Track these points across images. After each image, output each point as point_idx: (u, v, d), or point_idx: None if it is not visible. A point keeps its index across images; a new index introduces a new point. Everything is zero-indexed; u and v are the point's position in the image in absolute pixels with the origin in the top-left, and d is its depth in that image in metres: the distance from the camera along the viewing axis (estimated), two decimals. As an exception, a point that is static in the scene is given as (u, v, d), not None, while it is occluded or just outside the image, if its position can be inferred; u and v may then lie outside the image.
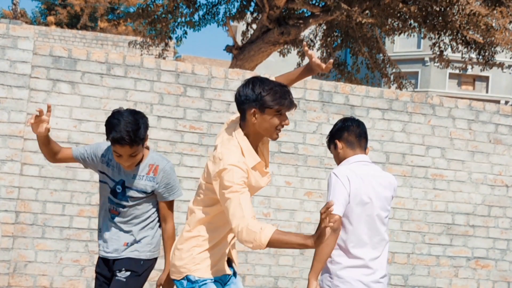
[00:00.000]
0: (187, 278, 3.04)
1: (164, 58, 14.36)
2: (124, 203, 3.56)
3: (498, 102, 30.35)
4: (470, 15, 10.97)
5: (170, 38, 14.72)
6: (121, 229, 3.60)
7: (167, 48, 14.78)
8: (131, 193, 3.53)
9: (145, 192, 3.55)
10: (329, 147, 3.60)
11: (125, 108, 3.58)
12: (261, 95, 2.86)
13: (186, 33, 14.62)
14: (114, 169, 3.56)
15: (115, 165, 3.56)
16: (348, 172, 3.33)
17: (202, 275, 3.01)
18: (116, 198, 3.56)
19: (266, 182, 3.04)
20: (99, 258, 3.75)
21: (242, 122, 2.95)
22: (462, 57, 13.33)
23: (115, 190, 3.55)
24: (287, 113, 3.02)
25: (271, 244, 2.71)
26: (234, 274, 3.24)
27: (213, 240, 3.03)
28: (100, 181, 3.65)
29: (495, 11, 11.00)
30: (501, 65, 13.28)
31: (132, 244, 3.60)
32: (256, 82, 2.91)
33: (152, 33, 14.53)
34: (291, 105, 2.90)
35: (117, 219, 3.59)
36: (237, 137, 2.92)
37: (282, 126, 2.91)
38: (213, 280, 3.05)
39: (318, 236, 2.65)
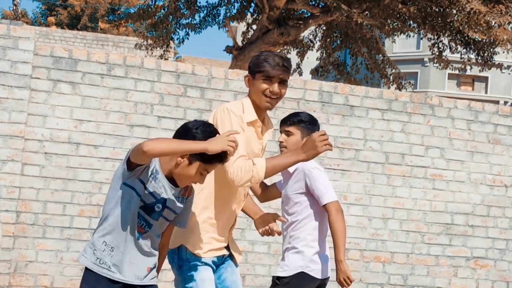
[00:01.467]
0: (179, 250, 3.03)
1: (166, 59, 14.40)
2: (154, 222, 3.03)
3: (497, 102, 30.36)
4: (470, 13, 11.00)
5: (172, 39, 14.74)
6: (142, 251, 3.05)
7: (169, 49, 14.81)
8: (167, 213, 3.03)
9: (175, 214, 3.06)
10: (285, 132, 3.63)
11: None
12: (251, 61, 2.98)
13: (188, 34, 14.65)
14: (159, 185, 3.00)
15: (163, 182, 2.99)
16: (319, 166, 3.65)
17: (196, 251, 3.00)
18: (148, 216, 3.02)
19: (259, 149, 3.04)
20: (101, 277, 2.97)
21: None
22: (461, 58, 13.36)
23: (153, 207, 2.99)
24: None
25: (268, 173, 2.83)
26: (231, 259, 3.19)
27: (217, 216, 3.04)
28: (129, 186, 2.94)
29: (494, 9, 11.03)
30: (500, 65, 13.32)
31: (152, 268, 3.11)
32: (259, 53, 3.08)
33: (153, 34, 14.55)
34: (275, 68, 2.91)
35: (141, 239, 3.01)
36: (242, 100, 3.05)
37: (272, 94, 2.93)
38: (203, 264, 3.00)
39: (308, 148, 2.83)
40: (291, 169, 3.56)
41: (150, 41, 14.62)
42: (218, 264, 3.13)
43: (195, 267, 3.00)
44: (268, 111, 3.11)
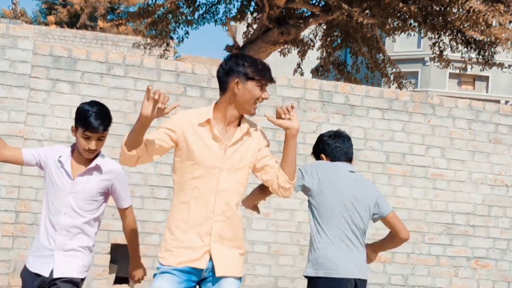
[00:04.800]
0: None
1: (166, 58, 14.37)
2: None
3: (498, 101, 30.33)
4: (470, 12, 10.98)
5: (172, 38, 14.70)
6: None
7: (168, 48, 14.77)
8: None
9: None
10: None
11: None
12: (244, 66, 2.95)
13: (187, 33, 14.63)
14: None
15: None
16: None
17: (165, 262, 2.86)
18: None
19: (220, 157, 2.88)
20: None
21: (221, 93, 3.04)
22: (462, 57, 13.34)
23: None
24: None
25: (127, 144, 2.84)
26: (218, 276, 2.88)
27: (182, 220, 2.86)
28: None
29: (494, 8, 11.00)
30: (501, 65, 13.29)
31: None
32: (239, 56, 3.02)
33: (152, 33, 14.51)
34: (272, 78, 2.99)
35: None
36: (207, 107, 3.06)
37: (262, 100, 2.94)
38: (161, 272, 2.84)
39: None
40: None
41: (149, 40, 14.59)
42: (201, 277, 2.88)
43: (155, 276, 2.89)
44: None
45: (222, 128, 2.95)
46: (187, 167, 2.89)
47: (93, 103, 3.35)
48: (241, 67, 2.93)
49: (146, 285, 5.91)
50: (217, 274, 2.85)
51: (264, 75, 2.93)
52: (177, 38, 14.81)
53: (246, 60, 2.95)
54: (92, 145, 3.24)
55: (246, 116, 3.03)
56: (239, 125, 2.98)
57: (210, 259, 2.86)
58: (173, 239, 2.87)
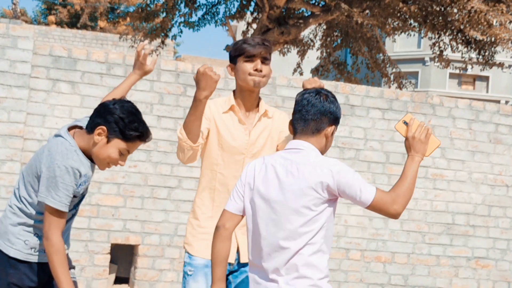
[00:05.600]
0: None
1: (158, 55, 14.32)
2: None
3: (498, 102, 30.34)
4: (471, 12, 10.98)
5: (166, 35, 14.64)
6: None
7: (162, 46, 14.68)
8: None
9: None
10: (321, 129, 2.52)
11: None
12: (232, 50, 2.97)
13: (181, 31, 14.59)
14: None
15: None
16: None
17: (193, 253, 2.85)
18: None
19: (245, 142, 2.91)
20: None
21: None
22: (462, 57, 13.34)
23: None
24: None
25: (191, 136, 2.76)
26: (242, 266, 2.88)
27: (207, 206, 2.87)
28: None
29: (495, 8, 11.00)
30: (501, 65, 13.29)
31: None
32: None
33: (142, 24, 14.43)
34: (256, 46, 2.90)
35: None
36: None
37: (257, 71, 2.88)
38: (193, 270, 2.82)
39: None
40: None
41: (141, 36, 14.52)
42: (230, 269, 2.86)
43: (185, 275, 2.85)
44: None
45: (244, 114, 2.98)
46: (213, 152, 2.90)
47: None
48: (231, 52, 2.97)
49: (146, 285, 5.91)
50: (242, 260, 2.85)
51: (245, 48, 2.89)
52: (172, 36, 14.67)
53: (235, 43, 2.97)
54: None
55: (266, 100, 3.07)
56: (258, 110, 3.03)
57: (237, 251, 2.85)
58: (198, 225, 2.89)
